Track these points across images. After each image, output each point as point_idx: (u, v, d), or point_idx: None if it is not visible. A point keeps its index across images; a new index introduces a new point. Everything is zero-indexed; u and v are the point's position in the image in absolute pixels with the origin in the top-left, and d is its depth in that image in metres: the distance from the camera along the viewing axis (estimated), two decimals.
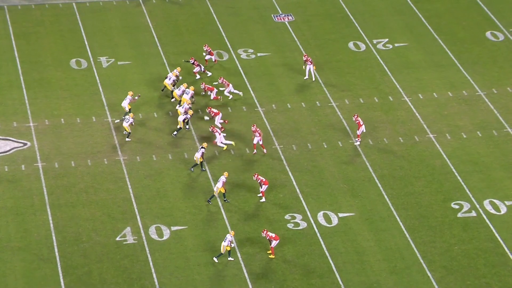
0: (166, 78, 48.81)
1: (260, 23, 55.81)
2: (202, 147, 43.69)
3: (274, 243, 39.27)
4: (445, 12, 56.90)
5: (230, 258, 39.21)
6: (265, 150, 44.84)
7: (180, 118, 46.18)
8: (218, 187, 41.90)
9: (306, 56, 50.22)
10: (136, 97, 47.05)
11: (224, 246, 38.92)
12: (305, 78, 50.46)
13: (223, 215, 41.86)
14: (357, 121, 45.56)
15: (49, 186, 43.28)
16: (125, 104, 46.61)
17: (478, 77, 51.11)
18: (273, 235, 39.31)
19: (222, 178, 41.89)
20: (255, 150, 44.74)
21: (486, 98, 49.51)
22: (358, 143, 45.66)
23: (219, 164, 44.72)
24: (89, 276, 38.70)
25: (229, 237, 38.99)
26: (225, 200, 42.18)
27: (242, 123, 47.52)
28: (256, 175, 42.30)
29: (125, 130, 45.70)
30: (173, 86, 48.40)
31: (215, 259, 39.19)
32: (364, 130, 45.77)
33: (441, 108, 48.78)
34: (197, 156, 43.52)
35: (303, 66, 50.48)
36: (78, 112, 48.11)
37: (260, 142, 44.72)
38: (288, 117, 47.97)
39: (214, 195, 42.20)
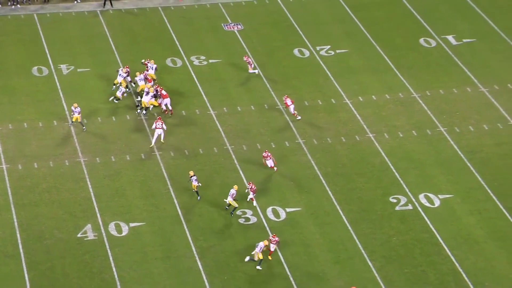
0: (118, 76, 48.79)
1: (211, 31, 55.68)
2: (192, 176, 41.70)
3: (273, 247, 38.74)
4: (382, 20, 57.33)
5: (258, 267, 38.46)
6: (275, 168, 43.54)
7: (145, 99, 46.71)
8: (229, 200, 40.87)
9: (246, 57, 50.47)
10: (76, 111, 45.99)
11: (258, 253, 38.16)
12: (250, 72, 50.54)
13: (179, 212, 41.70)
14: (285, 101, 46.75)
15: (13, 187, 42.71)
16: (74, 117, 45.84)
17: (413, 80, 51.56)
18: (278, 239, 38.88)
19: (232, 191, 40.83)
20: (275, 168, 43.53)
21: (420, 100, 49.97)
22: (300, 117, 46.94)
23: (174, 164, 44.52)
24: (52, 271, 38.29)
25: (262, 245, 38.14)
26: (231, 213, 41.07)
27: (196, 125, 47.37)
28: (250, 184, 41.49)
29: (116, 98, 46.22)
30: (128, 81, 48.80)
31: (258, 267, 38.31)
32: (293, 110, 46.89)
33: (380, 110, 49.11)
34: (194, 183, 41.71)
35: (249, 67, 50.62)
36: (40, 116, 47.55)
37: (272, 165, 43.42)
38: (238, 119, 47.92)
39: (233, 206, 41.00)
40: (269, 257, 38.89)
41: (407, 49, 54.40)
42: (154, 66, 49.43)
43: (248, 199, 41.82)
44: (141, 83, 48.71)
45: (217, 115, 48.20)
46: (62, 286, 37.62)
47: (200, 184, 41.78)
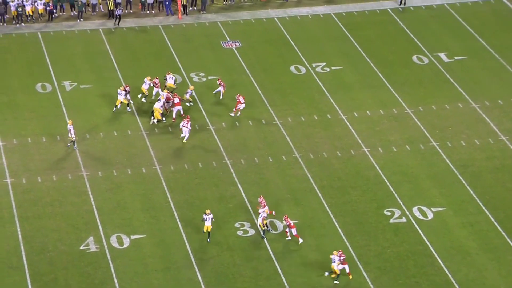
0: (118, 95, 48.79)
1: (210, 49, 55.79)
2: (208, 215, 40.03)
3: (345, 267, 38.30)
4: (376, 38, 57.49)
5: (336, 282, 38.23)
6: (273, 213, 41.33)
7: (157, 105, 47.49)
8: (260, 222, 40.43)
9: (220, 80, 50.25)
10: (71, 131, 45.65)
11: (335, 266, 37.90)
12: (218, 91, 50.39)
13: (179, 224, 41.63)
14: (238, 99, 47.84)
15: (18, 200, 42.64)
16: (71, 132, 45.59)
17: (406, 96, 51.64)
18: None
19: (263, 214, 40.33)
20: (273, 212, 41.30)
21: (413, 116, 50.03)
22: (232, 114, 48.03)
23: (174, 178, 44.47)
24: (55, 282, 38.17)
25: (336, 258, 37.78)
26: (262, 237, 40.55)
27: (195, 140, 47.37)
28: (285, 217, 40.48)
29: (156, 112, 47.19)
30: (128, 99, 48.77)
31: (336, 282, 38.13)
32: (241, 108, 47.78)
33: (374, 125, 49.15)
34: (207, 224, 40.08)
35: (219, 89, 50.29)
36: (43, 131, 47.53)
37: (269, 212, 41.14)
38: (236, 134, 47.94)
39: (264, 230, 40.51)
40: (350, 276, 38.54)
41: (400, 66, 54.51)
42: (174, 77, 50.40)
43: (287, 231, 40.52)
44: (145, 87, 49.37)
45: (216, 130, 48.21)
46: None
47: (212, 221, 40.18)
